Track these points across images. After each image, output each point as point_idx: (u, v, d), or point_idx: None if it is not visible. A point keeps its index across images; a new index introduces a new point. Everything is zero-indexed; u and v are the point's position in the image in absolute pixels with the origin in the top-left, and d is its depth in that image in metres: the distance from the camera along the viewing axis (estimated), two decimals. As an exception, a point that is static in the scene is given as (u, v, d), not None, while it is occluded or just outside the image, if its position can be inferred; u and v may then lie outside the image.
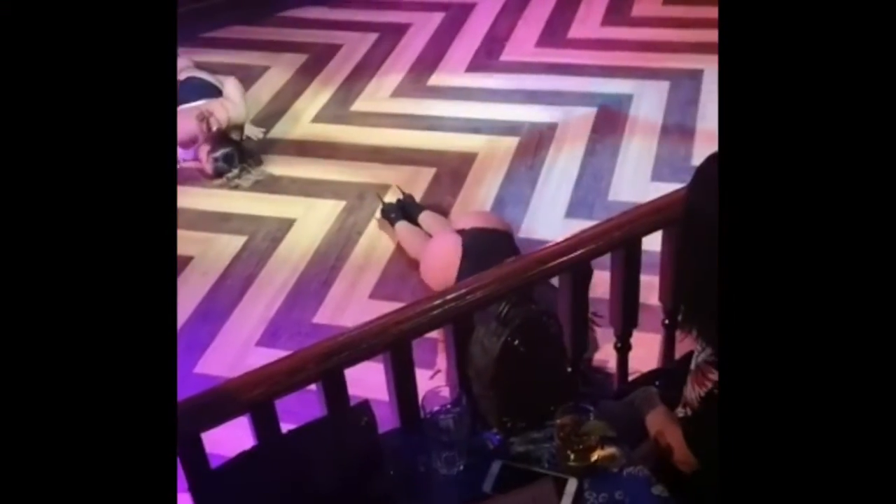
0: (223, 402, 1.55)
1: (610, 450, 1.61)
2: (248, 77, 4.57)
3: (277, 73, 4.61)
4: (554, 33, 4.72)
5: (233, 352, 2.95)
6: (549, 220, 3.42)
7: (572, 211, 3.47)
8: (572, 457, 1.58)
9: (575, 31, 4.74)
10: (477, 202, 3.56)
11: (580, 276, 1.93)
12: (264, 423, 1.59)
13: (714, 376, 1.60)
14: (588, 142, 3.87)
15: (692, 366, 1.70)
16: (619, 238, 1.92)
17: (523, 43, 4.68)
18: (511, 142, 3.91)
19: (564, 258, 1.87)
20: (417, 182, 3.70)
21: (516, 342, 1.70)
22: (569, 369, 1.96)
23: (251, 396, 1.57)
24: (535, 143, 3.88)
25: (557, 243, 1.90)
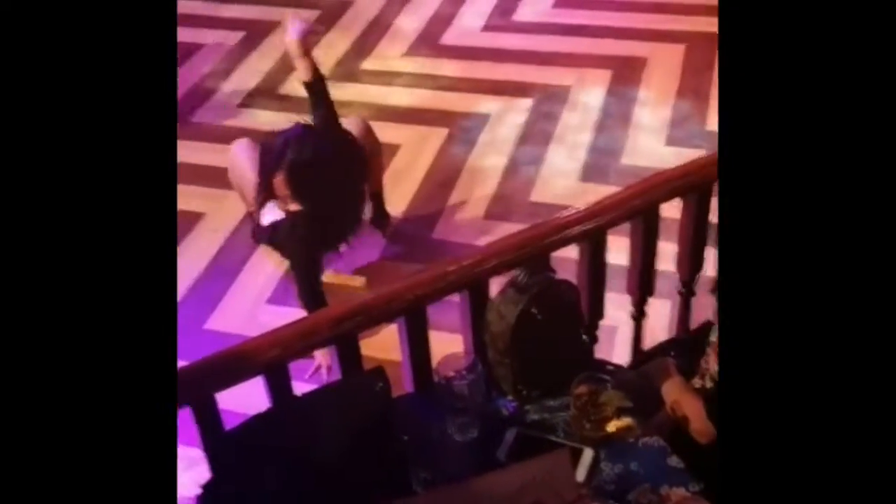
0: (237, 363, 1.54)
1: (626, 420, 1.59)
2: (259, 32, 4.52)
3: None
4: (570, -7, 4.64)
5: (244, 308, 2.94)
6: (563, 183, 3.38)
7: (587, 174, 3.43)
8: (588, 427, 1.57)
9: (591, -8, 4.66)
10: (489, 163, 3.53)
11: (599, 244, 1.90)
12: (278, 385, 1.58)
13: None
14: (602, 105, 3.83)
15: (713, 337, 1.68)
16: (638, 206, 1.89)
17: (539, 3, 4.60)
18: (525, 103, 3.86)
19: (584, 226, 1.85)
20: (429, 142, 3.67)
21: (533, 310, 1.68)
22: (585, 338, 1.94)
23: (265, 358, 1.56)
24: (550, 105, 3.83)
25: (577, 211, 1.87)
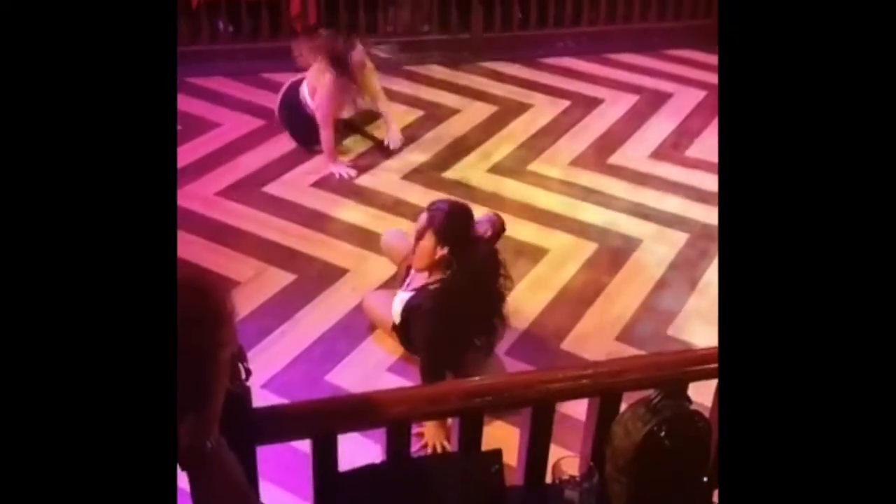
0: (364, 410, 1.56)
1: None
2: (437, 116, 4.72)
3: (466, 118, 4.73)
4: (746, 141, 4.62)
5: (364, 370, 2.99)
6: (702, 327, 3.30)
7: (729, 321, 3.34)
8: (695, 567, 1.50)
9: (768, 144, 4.63)
10: (632, 287, 3.50)
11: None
12: (397, 441, 1.59)
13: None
14: (759, 256, 3.74)
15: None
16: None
17: (713, 143, 4.60)
18: (680, 236, 3.83)
19: (729, 362, 1.80)
20: (577, 253, 3.68)
21: (661, 433, 1.64)
22: (705, 479, 1.87)
23: (391, 412, 1.58)
24: (704, 244, 3.79)
25: (725, 345, 1.82)
